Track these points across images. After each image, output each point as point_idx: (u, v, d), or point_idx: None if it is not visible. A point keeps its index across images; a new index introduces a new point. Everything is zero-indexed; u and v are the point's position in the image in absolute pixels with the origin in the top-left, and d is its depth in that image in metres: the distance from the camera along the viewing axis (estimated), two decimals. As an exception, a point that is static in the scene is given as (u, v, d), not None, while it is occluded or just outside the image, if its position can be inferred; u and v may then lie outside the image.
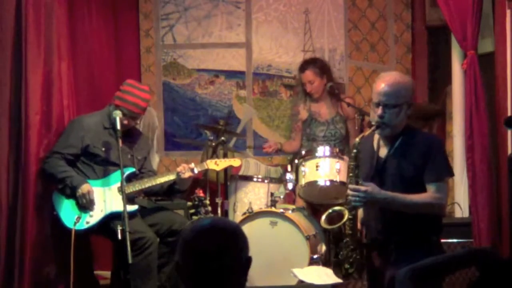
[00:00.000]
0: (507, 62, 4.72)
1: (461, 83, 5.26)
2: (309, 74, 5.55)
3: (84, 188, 4.40)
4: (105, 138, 4.55)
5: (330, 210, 3.60)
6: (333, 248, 4.81)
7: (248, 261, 2.12)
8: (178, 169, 4.56)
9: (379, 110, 3.42)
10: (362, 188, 3.41)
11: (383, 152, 3.52)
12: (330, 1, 6.18)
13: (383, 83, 3.45)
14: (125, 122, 4.56)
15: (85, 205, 4.40)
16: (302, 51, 6.20)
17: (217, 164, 4.76)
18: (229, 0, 6.22)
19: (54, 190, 4.50)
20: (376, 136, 3.56)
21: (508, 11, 4.74)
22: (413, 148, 3.46)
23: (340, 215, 3.53)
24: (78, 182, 4.42)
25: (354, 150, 3.49)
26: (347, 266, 3.50)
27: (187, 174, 4.54)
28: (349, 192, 3.44)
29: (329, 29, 6.19)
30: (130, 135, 4.70)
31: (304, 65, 5.63)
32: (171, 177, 4.59)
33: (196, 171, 4.60)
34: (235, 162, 4.89)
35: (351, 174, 3.48)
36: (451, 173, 3.57)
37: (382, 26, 6.22)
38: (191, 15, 6.23)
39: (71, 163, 4.52)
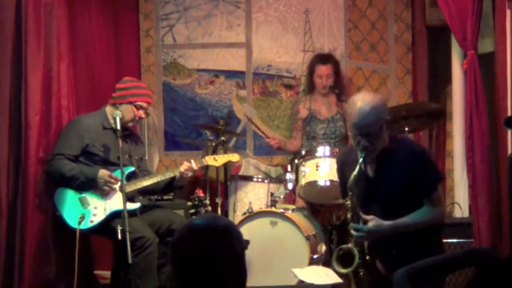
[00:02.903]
0: (507, 62, 4.72)
1: (461, 83, 5.26)
2: (329, 68, 5.57)
3: (102, 173, 4.43)
4: (104, 138, 4.56)
5: (337, 249, 3.55)
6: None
7: (242, 253, 2.10)
8: (182, 169, 4.57)
9: (364, 141, 3.40)
10: (365, 228, 3.43)
11: (371, 169, 3.53)
12: (330, 1, 6.18)
13: (358, 115, 3.37)
14: (144, 115, 4.70)
15: (110, 188, 4.42)
16: (302, 51, 6.19)
17: (216, 160, 4.80)
18: (229, 0, 6.22)
19: (56, 188, 4.48)
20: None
21: (508, 11, 4.74)
22: (400, 162, 3.46)
23: (349, 253, 3.49)
24: (93, 172, 4.44)
25: (350, 193, 3.47)
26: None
27: (190, 174, 4.60)
28: (352, 232, 3.45)
29: (329, 29, 6.19)
30: (128, 136, 4.73)
31: (324, 59, 5.63)
32: (171, 174, 4.61)
33: (195, 167, 4.62)
34: (233, 157, 4.90)
35: (351, 213, 3.49)
36: (441, 178, 3.60)
37: (382, 26, 6.22)
38: (191, 15, 6.23)
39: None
